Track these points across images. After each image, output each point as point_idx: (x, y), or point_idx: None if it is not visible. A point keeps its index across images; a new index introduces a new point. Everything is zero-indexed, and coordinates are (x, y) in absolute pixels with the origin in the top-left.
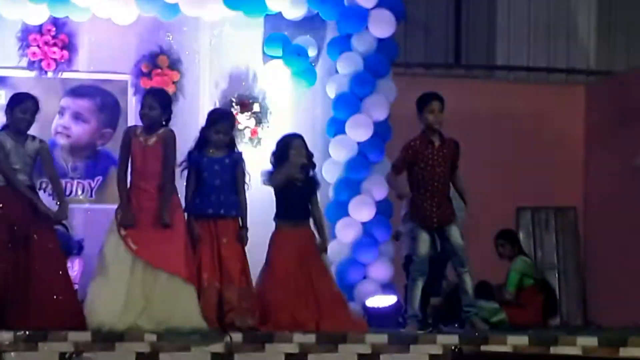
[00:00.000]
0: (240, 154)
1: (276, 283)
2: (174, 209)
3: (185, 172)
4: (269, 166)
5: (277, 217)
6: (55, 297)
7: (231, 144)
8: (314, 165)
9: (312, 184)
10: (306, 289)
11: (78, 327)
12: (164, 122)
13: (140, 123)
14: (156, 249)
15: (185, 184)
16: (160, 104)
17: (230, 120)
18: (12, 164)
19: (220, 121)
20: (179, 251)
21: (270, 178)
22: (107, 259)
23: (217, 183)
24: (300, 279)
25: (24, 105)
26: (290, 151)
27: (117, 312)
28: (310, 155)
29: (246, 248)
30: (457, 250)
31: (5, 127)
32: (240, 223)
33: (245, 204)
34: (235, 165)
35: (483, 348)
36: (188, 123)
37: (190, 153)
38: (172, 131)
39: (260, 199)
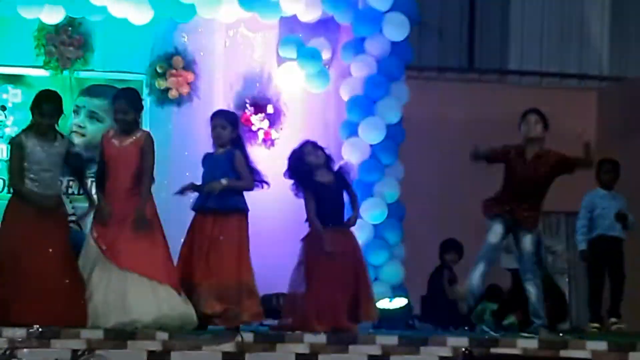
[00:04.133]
0: (234, 149)
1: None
2: (152, 213)
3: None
4: (281, 167)
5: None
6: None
7: (235, 141)
8: (331, 160)
9: (342, 178)
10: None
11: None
12: (138, 121)
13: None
14: (126, 250)
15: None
16: (132, 106)
17: (221, 116)
18: (35, 165)
19: (211, 119)
20: (149, 253)
21: None
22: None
23: (211, 180)
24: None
25: (41, 109)
26: (306, 161)
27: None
28: (326, 155)
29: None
30: (524, 256)
31: (29, 127)
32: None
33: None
34: (231, 161)
35: (493, 350)
36: (202, 124)
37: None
38: (150, 135)
39: (273, 199)
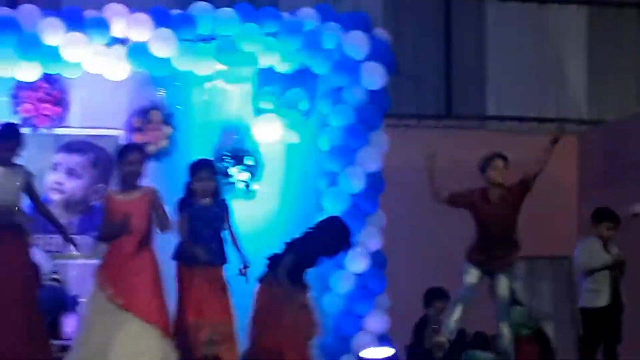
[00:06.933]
0: (224, 200)
1: None
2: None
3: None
4: (262, 219)
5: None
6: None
7: (216, 192)
8: None
9: None
10: None
11: None
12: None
13: None
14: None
15: (179, 229)
16: (143, 159)
17: (211, 167)
18: None
19: (201, 169)
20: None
21: None
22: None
23: (206, 232)
24: None
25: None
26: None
27: None
28: None
29: None
30: (500, 301)
31: None
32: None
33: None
34: (222, 213)
35: None
36: (181, 178)
37: (182, 200)
38: (156, 188)
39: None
